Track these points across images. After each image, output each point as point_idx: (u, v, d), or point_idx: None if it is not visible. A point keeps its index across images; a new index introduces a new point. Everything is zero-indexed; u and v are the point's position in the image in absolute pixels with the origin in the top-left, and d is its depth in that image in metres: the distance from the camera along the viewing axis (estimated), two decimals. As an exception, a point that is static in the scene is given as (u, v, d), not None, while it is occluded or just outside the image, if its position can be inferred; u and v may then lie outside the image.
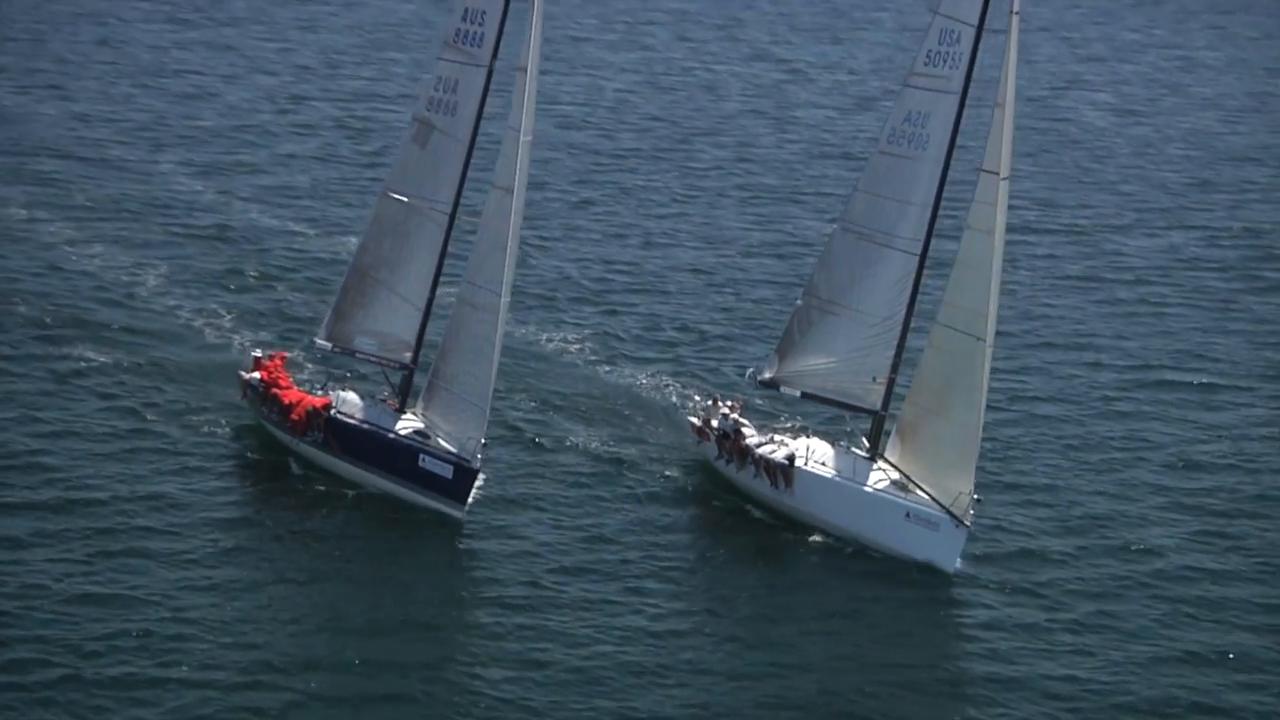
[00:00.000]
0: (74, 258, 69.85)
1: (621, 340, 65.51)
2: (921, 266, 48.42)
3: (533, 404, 57.52)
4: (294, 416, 48.83)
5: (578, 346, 64.16)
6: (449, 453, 47.18)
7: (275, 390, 49.77)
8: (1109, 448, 57.64)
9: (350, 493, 48.88)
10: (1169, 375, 66.08)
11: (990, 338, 46.48)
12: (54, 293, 65.70)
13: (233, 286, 68.12)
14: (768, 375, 51.75)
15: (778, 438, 50.79)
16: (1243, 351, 69.86)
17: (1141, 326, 72.00)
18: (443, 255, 49.82)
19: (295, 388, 50.16)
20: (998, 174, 45.78)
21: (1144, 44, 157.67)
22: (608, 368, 61.50)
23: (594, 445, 53.69)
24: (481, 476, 47.75)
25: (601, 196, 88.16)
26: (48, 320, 61.56)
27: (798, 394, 51.13)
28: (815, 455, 49.16)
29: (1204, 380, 65.12)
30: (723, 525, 49.36)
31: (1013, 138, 46.61)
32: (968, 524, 45.26)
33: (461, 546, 47.13)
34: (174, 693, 37.41)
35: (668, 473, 51.84)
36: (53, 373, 56.97)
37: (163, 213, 78.70)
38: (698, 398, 54.83)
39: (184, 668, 38.31)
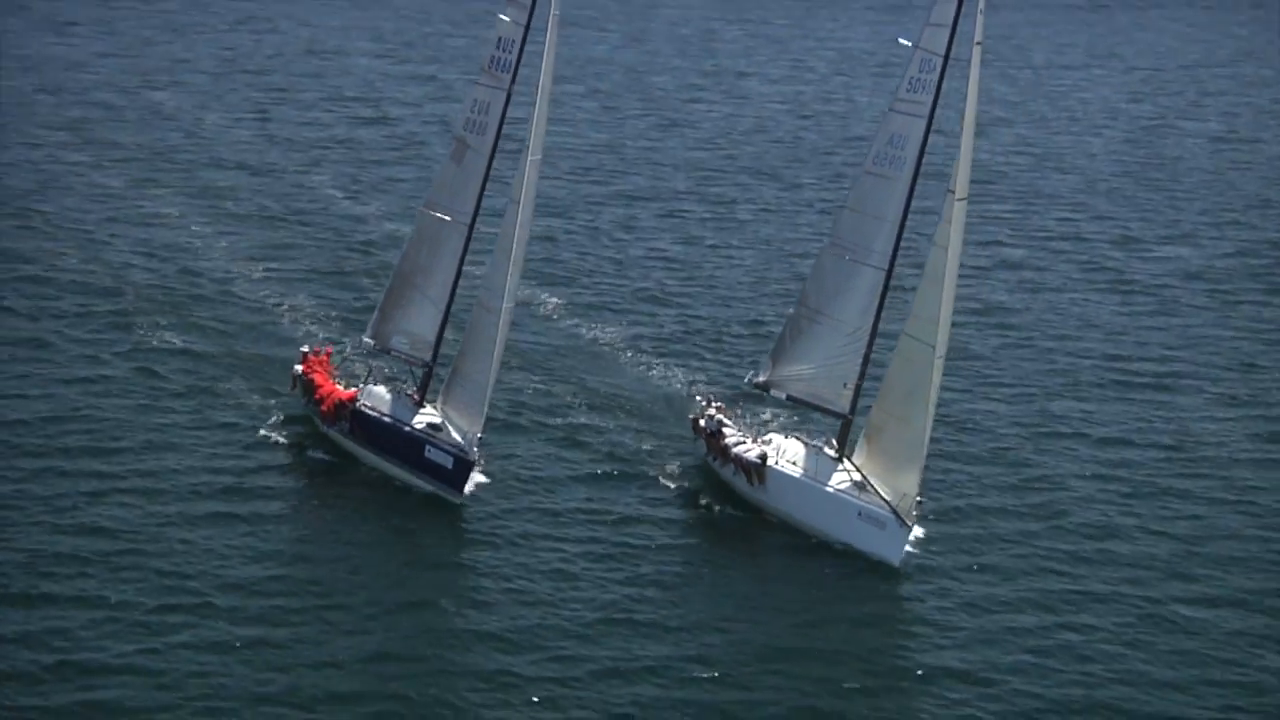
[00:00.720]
0: (195, 246, 74.53)
1: (660, 339, 67.49)
2: (888, 280, 50.66)
3: (561, 396, 59.93)
4: (324, 407, 52.62)
5: (620, 343, 66.56)
6: (452, 444, 50.26)
7: (312, 382, 53.66)
8: (1066, 441, 58.88)
9: (371, 478, 51.74)
10: (1132, 373, 67.44)
11: (942, 348, 48.37)
12: (165, 274, 70.72)
13: (329, 283, 71.70)
14: (761, 378, 54.49)
15: (761, 437, 53.33)
16: (1203, 351, 70.75)
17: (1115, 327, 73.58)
18: (462, 261, 53.12)
19: (331, 381, 53.56)
20: (954, 194, 47.74)
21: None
22: (643, 365, 63.65)
23: (606, 437, 56.09)
24: (479, 466, 50.58)
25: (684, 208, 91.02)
26: (150, 298, 66.62)
27: (784, 396, 53.82)
28: (787, 455, 51.75)
29: (1166, 375, 66.73)
30: (703, 519, 50.96)
31: (970, 161, 48.00)
32: (909, 523, 47.54)
33: (459, 528, 49.24)
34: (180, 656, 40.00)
35: (668, 468, 53.88)
36: (133, 346, 61.46)
37: (289, 212, 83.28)
38: (699, 397, 56.63)
39: (190, 629, 41.14)
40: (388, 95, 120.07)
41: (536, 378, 62.13)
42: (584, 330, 68.54)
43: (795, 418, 56.58)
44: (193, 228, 79.84)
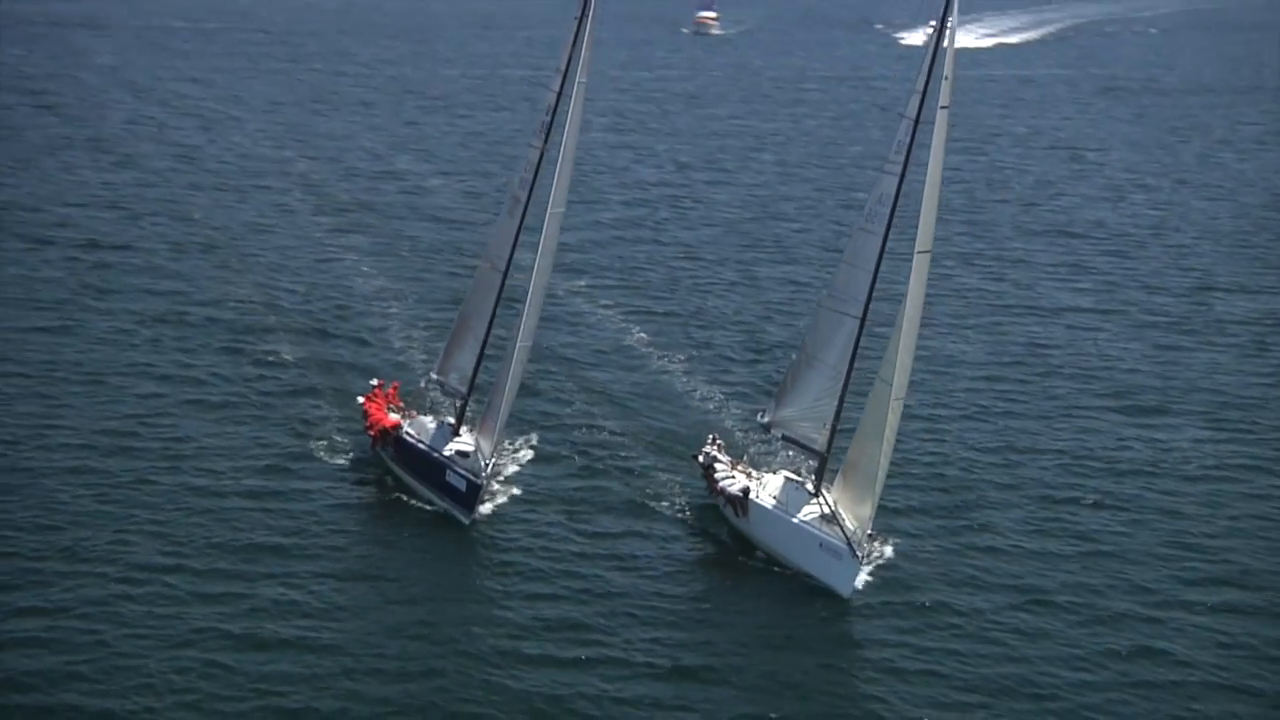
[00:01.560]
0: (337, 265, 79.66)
1: (703, 374, 69.17)
2: (861, 327, 50.96)
3: (596, 416, 62.71)
4: (372, 433, 55.24)
5: (674, 364, 69.49)
6: (468, 469, 51.58)
7: (366, 411, 56.18)
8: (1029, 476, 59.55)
9: (401, 498, 54.55)
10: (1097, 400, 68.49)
11: (899, 390, 48.08)
12: (308, 293, 76.96)
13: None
14: (765, 419, 54.90)
15: (753, 472, 53.79)
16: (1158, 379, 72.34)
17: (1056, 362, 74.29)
18: (496, 305, 55.32)
19: (384, 411, 55.79)
20: (914, 248, 48.11)
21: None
22: (685, 398, 65.59)
23: (627, 466, 57.79)
24: (488, 493, 52.29)
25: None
26: (291, 325, 72.03)
27: (779, 436, 54.53)
28: (769, 489, 52.08)
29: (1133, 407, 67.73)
30: (694, 549, 52.38)
31: (934, 216, 48.00)
32: (859, 556, 47.30)
33: (463, 552, 51.34)
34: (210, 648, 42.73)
35: (679, 500, 55.22)
36: (242, 356, 67.56)
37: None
38: (708, 434, 57.06)
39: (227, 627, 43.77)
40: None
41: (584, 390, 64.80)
42: (649, 363, 70.45)
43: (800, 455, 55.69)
44: (362, 267, 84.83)
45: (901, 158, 50.98)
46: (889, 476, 50.16)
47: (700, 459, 54.48)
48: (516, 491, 54.97)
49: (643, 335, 75.32)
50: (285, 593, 46.93)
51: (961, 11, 49.15)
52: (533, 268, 52.14)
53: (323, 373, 66.47)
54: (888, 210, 51.18)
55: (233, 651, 43.12)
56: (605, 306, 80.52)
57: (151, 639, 43.42)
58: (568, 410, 64.03)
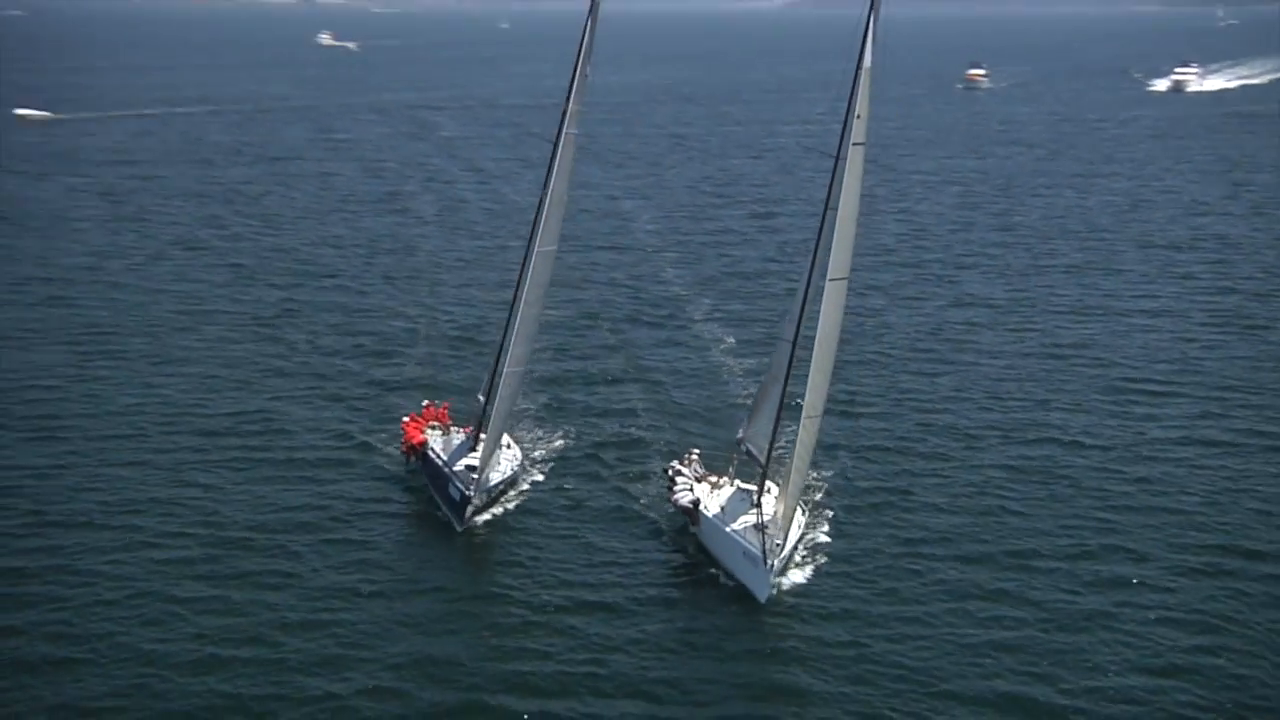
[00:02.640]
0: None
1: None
2: (792, 350, 46.52)
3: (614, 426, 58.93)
4: (403, 449, 53.07)
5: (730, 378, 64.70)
6: (464, 483, 48.46)
7: (404, 429, 53.68)
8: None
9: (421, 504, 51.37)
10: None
11: (810, 409, 43.79)
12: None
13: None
14: (739, 435, 50.72)
15: (723, 483, 49.37)
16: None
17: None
18: (505, 332, 52.08)
19: (420, 429, 53.28)
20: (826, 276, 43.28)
21: None
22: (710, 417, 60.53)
23: (625, 476, 53.57)
24: (473, 505, 48.50)
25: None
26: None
27: (745, 450, 49.93)
28: (720, 499, 47.66)
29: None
30: (657, 557, 47.47)
31: (847, 247, 43.01)
32: (769, 564, 42.77)
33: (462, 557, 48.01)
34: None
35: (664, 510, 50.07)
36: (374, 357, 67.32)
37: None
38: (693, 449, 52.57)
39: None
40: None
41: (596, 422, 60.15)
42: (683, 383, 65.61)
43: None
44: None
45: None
46: (852, 483, 50.01)
47: (668, 472, 50.24)
48: (515, 504, 51.85)
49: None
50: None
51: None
52: (521, 301, 49.57)
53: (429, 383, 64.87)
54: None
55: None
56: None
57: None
58: (593, 420, 61.02)
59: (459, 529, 48.50)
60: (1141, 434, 58.46)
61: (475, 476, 48.16)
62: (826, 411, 46.20)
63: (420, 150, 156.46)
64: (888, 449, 57.18)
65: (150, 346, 70.90)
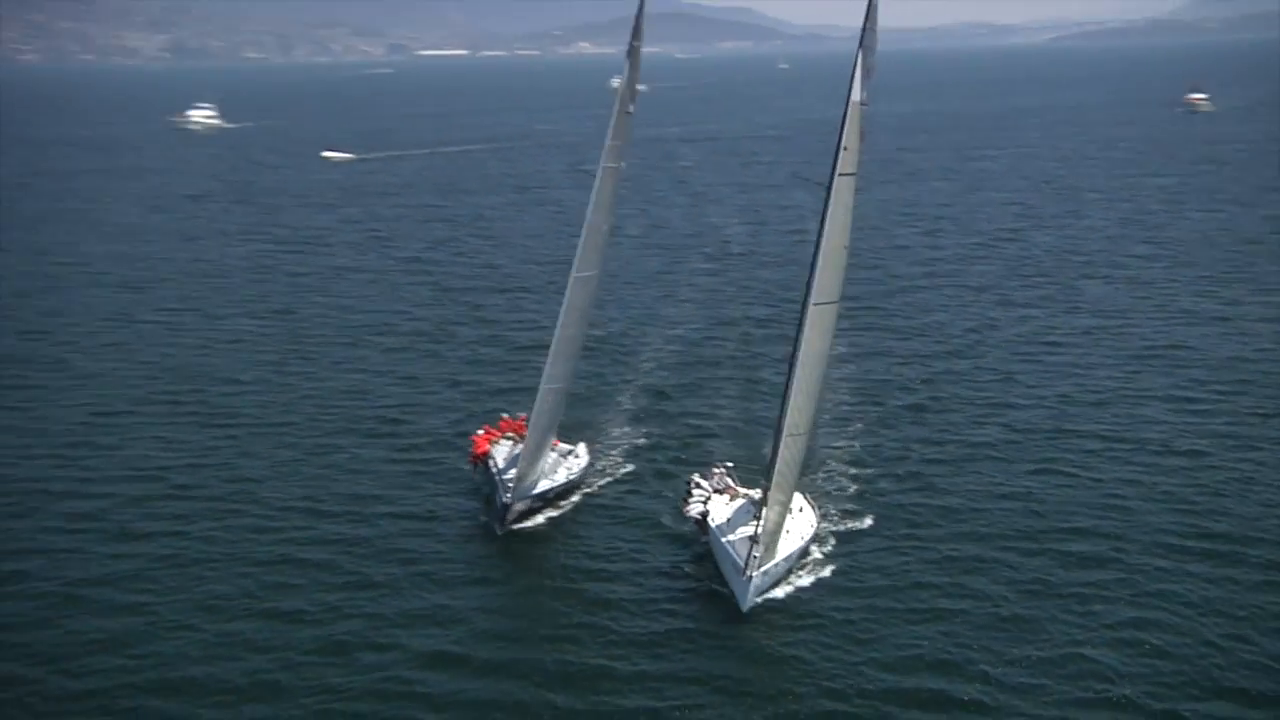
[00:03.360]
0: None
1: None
2: (789, 370, 41.47)
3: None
4: (470, 459, 50.92)
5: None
6: (509, 490, 46.33)
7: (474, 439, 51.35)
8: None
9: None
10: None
11: (792, 427, 40.22)
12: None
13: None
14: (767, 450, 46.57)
15: (734, 493, 45.95)
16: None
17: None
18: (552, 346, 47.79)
19: (487, 441, 50.90)
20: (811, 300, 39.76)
21: None
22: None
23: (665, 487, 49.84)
24: (514, 513, 46.22)
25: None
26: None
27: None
28: (728, 511, 44.26)
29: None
30: (670, 564, 44.01)
31: (832, 273, 39.59)
32: (747, 575, 39.15)
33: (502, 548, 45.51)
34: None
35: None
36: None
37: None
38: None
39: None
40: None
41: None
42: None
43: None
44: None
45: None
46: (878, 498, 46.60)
47: (689, 483, 47.03)
48: (563, 510, 49.07)
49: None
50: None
51: None
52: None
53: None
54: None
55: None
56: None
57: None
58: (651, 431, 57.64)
59: (498, 532, 46.29)
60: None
61: (512, 487, 46.09)
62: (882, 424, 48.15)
63: (652, 178, 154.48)
64: (941, 461, 53.03)
65: (332, 352, 72.24)
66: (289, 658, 37.46)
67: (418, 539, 46.30)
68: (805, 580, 42.10)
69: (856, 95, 39.21)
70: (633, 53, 46.08)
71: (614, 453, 54.28)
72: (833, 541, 44.83)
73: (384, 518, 47.98)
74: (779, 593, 41.16)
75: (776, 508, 40.42)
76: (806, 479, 47.33)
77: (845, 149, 39.08)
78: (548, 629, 39.62)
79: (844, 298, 41.19)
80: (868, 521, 46.64)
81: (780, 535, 41.20)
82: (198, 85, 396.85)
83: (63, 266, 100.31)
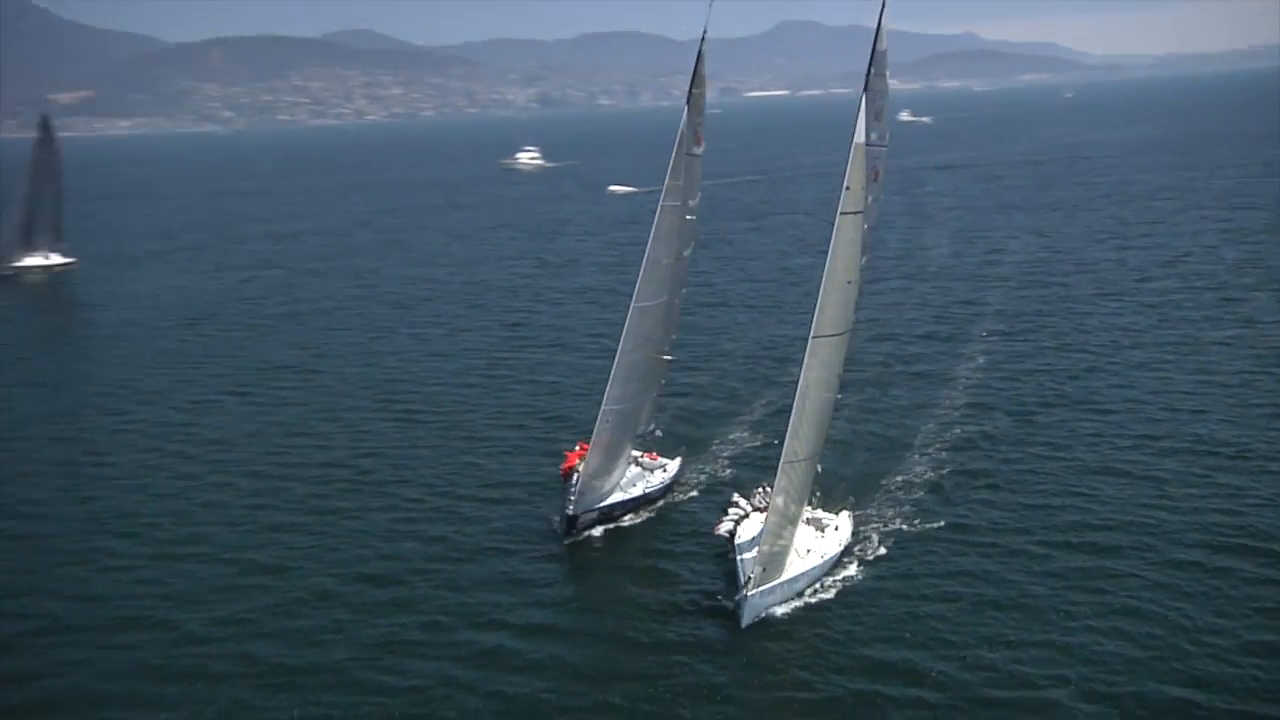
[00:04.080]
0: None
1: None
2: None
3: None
4: (561, 472, 48.30)
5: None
6: (574, 503, 44.42)
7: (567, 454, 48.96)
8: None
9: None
10: None
11: (791, 456, 37.05)
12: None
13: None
14: None
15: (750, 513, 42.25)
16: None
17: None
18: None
19: (578, 456, 47.55)
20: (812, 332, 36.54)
21: None
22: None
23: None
24: (581, 523, 44.36)
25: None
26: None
27: None
28: (755, 528, 40.59)
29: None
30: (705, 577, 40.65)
31: (832, 308, 36.31)
32: (743, 593, 36.27)
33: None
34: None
35: None
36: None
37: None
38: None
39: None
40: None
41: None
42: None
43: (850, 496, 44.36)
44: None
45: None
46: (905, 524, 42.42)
47: (730, 501, 44.05)
48: (633, 522, 46.60)
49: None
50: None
51: None
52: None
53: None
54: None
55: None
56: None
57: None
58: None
59: (563, 539, 44.38)
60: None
61: (573, 500, 44.19)
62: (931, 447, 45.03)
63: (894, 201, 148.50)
64: (979, 486, 47.70)
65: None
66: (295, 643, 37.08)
67: (484, 539, 45.37)
68: (827, 595, 38.96)
69: (861, 137, 35.60)
70: (692, 99, 43.54)
71: (709, 466, 51.73)
72: (869, 560, 41.25)
73: (461, 520, 47.53)
74: (785, 609, 38.05)
75: (775, 532, 37.18)
76: (858, 498, 44.10)
77: (848, 188, 35.40)
78: (568, 627, 38.24)
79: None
80: (912, 541, 42.68)
81: (786, 556, 37.77)
82: (550, 128, 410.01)
83: (362, 287, 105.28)
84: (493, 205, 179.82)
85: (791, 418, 36.92)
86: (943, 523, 43.36)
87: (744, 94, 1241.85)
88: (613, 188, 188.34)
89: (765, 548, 36.74)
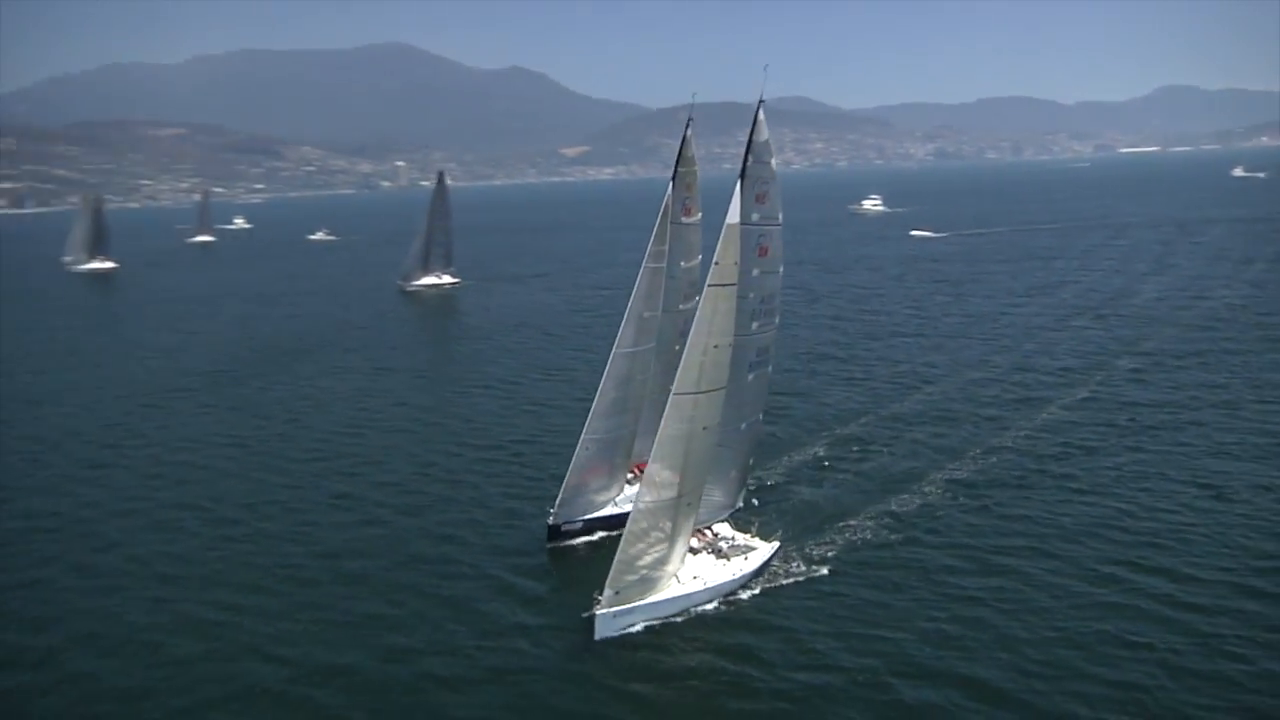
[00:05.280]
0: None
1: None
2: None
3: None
4: None
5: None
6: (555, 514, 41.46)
7: None
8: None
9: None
10: None
11: (638, 497, 33.19)
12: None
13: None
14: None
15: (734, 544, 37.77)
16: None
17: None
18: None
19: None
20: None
21: None
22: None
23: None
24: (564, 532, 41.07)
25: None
26: None
27: None
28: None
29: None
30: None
31: (695, 368, 31.96)
32: (594, 611, 33.12)
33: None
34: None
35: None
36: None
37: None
38: None
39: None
40: None
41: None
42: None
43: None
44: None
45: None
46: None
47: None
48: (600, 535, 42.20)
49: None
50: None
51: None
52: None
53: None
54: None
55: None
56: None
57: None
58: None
59: (546, 545, 41.37)
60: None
61: (553, 509, 41.54)
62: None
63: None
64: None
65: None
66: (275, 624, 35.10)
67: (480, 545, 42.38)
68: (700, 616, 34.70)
69: (734, 218, 31.90)
70: (678, 177, 40.46)
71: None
72: (769, 591, 36.35)
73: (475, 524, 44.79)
74: (639, 630, 34.19)
75: (627, 561, 33.89)
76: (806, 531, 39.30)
77: (717, 263, 31.93)
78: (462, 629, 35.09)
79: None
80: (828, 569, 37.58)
81: (653, 582, 34.45)
82: (927, 177, 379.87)
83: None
84: (810, 244, 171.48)
85: (649, 463, 33.31)
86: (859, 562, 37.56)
87: (1118, 150, 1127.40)
88: (914, 232, 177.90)
89: (616, 573, 33.52)
